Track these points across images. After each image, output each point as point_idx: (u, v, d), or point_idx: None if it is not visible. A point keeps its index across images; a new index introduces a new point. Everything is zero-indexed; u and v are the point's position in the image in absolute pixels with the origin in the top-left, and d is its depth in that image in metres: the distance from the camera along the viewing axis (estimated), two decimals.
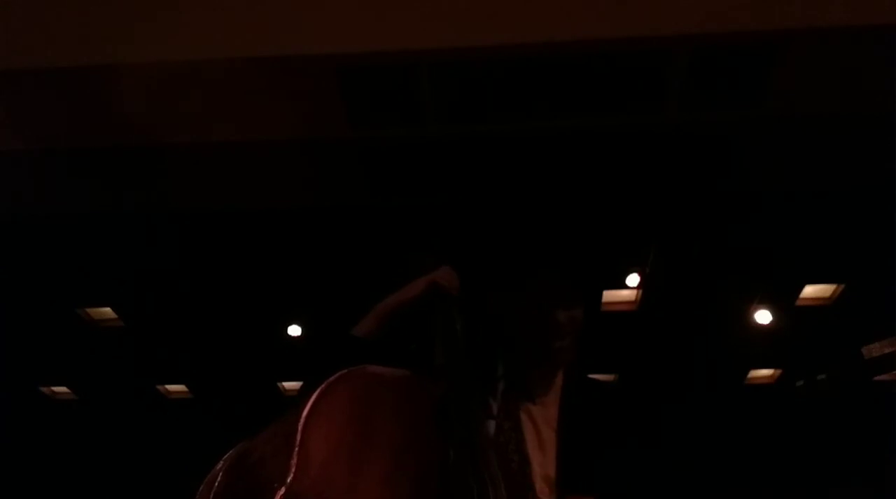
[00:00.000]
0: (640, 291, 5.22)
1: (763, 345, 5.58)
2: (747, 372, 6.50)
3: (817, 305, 5.39)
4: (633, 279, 5.02)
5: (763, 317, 5.22)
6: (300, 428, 0.91)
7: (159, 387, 6.72)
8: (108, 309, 5.54)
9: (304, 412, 0.92)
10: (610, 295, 5.34)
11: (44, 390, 6.75)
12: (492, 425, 1.49)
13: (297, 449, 0.89)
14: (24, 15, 2.76)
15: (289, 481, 0.87)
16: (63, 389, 6.76)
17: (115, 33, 2.71)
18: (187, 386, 6.71)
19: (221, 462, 1.03)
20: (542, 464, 1.51)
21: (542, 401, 1.55)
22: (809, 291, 5.31)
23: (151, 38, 2.68)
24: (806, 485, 5.81)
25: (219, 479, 0.99)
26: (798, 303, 5.36)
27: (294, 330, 5.47)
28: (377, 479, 0.91)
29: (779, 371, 6.49)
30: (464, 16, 2.68)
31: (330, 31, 2.71)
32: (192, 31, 2.70)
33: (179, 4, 2.73)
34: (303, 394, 1.01)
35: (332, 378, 0.99)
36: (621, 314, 5.47)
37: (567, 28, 2.66)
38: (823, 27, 2.61)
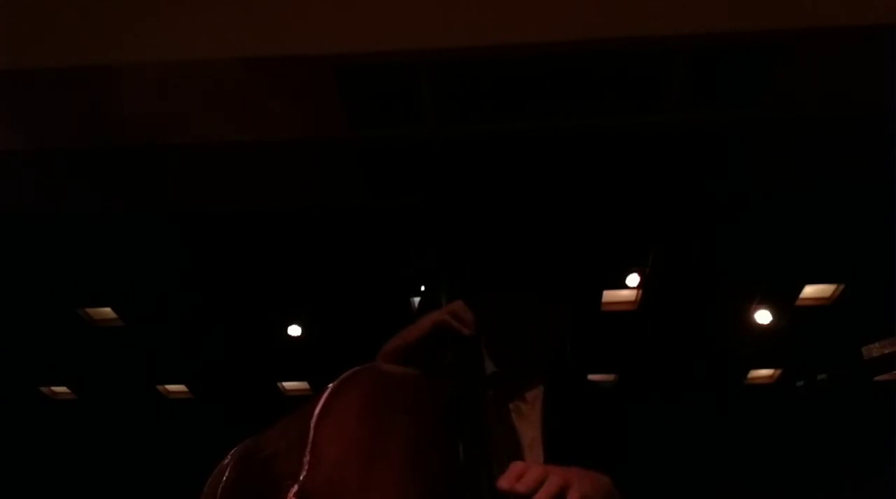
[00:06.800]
0: (640, 291, 5.22)
1: (763, 345, 5.58)
2: (747, 372, 6.50)
3: (817, 305, 5.39)
4: (633, 279, 5.02)
5: (763, 317, 5.22)
6: (312, 425, 0.90)
7: (159, 387, 6.72)
8: (108, 309, 5.53)
9: (317, 410, 0.92)
10: (610, 295, 5.34)
11: (44, 390, 6.75)
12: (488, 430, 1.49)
13: (309, 447, 0.88)
14: (25, 15, 2.76)
15: (302, 478, 0.86)
16: (63, 389, 6.76)
17: (115, 33, 2.70)
18: (187, 386, 6.71)
19: (229, 457, 1.02)
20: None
21: (529, 401, 1.56)
22: (809, 291, 5.30)
23: (151, 38, 2.68)
24: (806, 485, 5.81)
25: (227, 473, 0.99)
26: (798, 303, 5.36)
27: (294, 330, 5.47)
28: (390, 478, 0.90)
29: (779, 371, 6.49)
30: (464, 16, 2.68)
31: (330, 31, 2.70)
32: (192, 31, 2.70)
33: (179, 4, 2.73)
34: None
35: (343, 376, 0.99)
36: (621, 314, 5.47)
37: (567, 28, 2.66)
38: (823, 27, 2.61)
